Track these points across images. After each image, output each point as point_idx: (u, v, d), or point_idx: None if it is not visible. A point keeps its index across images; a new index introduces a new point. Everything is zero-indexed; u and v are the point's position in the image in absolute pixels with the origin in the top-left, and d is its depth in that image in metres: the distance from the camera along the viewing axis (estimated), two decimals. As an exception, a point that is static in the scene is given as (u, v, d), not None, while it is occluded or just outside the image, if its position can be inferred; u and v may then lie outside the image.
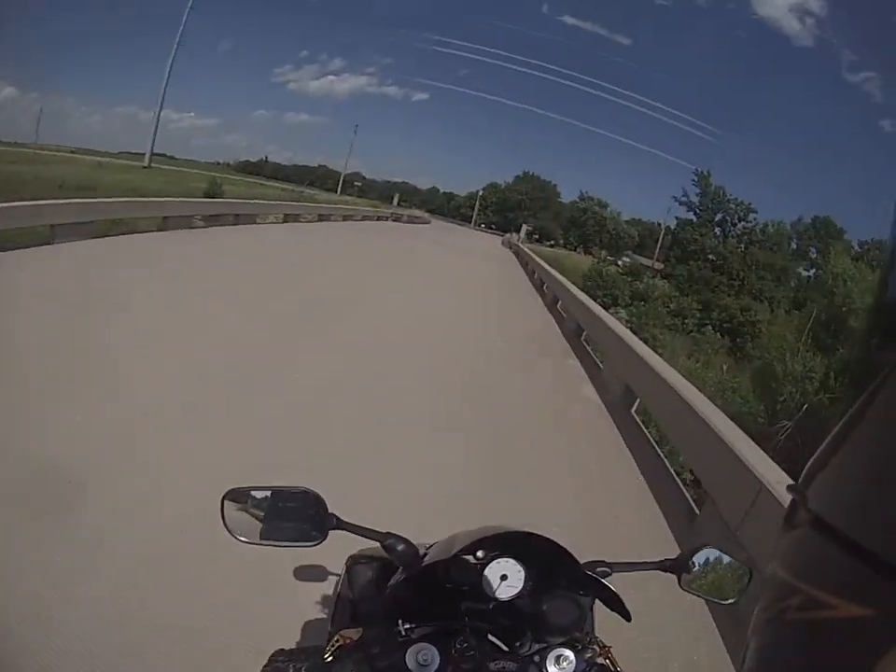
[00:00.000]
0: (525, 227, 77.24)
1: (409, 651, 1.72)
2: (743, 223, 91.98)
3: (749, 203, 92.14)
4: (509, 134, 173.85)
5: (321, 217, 41.61)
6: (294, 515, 1.97)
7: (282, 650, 2.14)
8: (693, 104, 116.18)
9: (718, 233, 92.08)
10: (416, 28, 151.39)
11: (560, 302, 23.50)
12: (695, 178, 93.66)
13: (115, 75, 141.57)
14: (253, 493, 1.97)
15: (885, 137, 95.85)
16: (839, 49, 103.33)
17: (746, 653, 0.79)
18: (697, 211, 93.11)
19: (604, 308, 19.57)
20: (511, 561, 1.82)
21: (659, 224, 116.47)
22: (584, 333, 17.89)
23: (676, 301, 60.18)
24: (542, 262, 36.11)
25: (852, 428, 0.69)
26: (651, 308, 52.27)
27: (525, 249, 55.41)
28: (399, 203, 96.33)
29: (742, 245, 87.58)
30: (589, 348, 16.95)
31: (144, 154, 78.04)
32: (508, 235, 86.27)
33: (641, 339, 14.53)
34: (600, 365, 15.00)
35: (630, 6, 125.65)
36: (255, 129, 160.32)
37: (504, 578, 1.80)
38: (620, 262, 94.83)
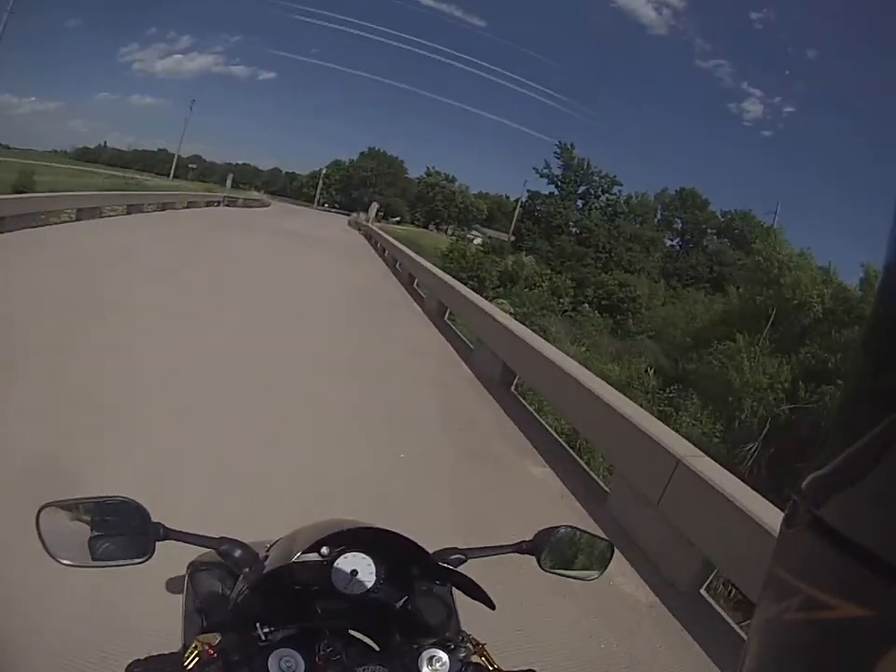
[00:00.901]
0: (374, 205, 69.59)
1: (270, 657, 1.61)
2: (607, 195, 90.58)
3: (614, 176, 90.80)
4: (354, 111, 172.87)
5: (130, 209, 32.01)
6: (118, 529, 1.79)
7: (137, 660, 1.81)
8: (542, 77, 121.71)
9: (581, 206, 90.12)
10: (266, 6, 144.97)
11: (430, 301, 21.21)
12: (558, 151, 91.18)
13: None
14: (70, 507, 1.77)
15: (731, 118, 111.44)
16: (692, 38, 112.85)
17: (746, 653, 0.79)
18: (559, 183, 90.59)
19: (475, 292, 19.03)
20: (360, 555, 1.81)
21: (507, 196, 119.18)
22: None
23: (548, 279, 56.21)
24: (403, 247, 32.66)
25: (851, 429, 0.70)
26: (535, 295, 49.20)
27: (377, 230, 50.20)
28: (233, 186, 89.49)
29: (606, 218, 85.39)
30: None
31: None
32: (354, 215, 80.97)
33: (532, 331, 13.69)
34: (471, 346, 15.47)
35: None
36: (98, 113, 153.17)
37: (354, 573, 1.80)
38: (470, 236, 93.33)
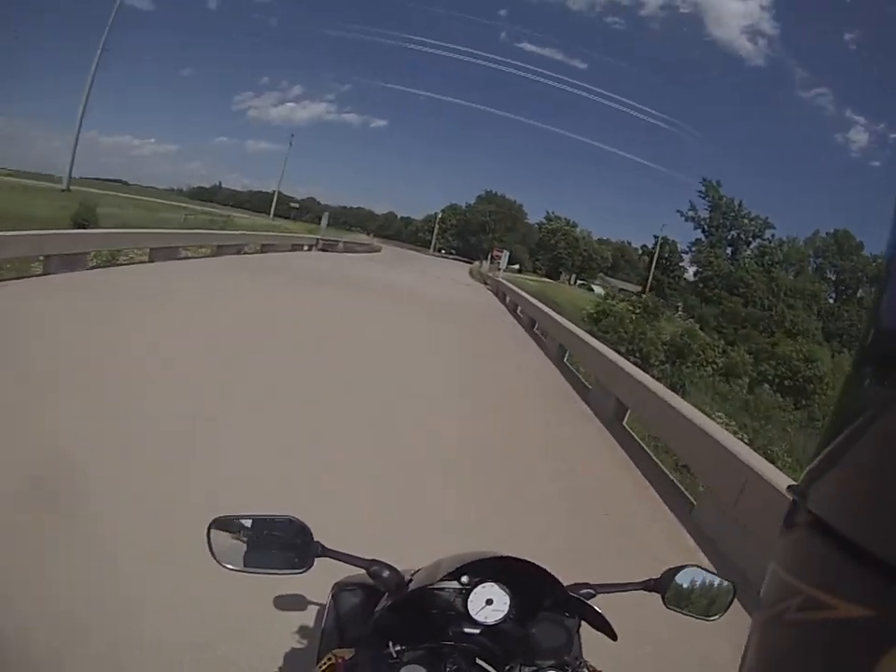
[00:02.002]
0: (505, 254, 55.93)
1: (401, 671, 1.73)
2: (759, 240, 79.80)
3: (766, 218, 80.00)
4: (467, 154, 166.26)
5: (219, 251, 28.83)
6: (280, 543, 1.95)
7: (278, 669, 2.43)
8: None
9: (730, 254, 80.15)
10: (377, 54, 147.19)
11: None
12: (702, 190, 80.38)
13: (71, 101, 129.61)
14: (239, 521, 1.95)
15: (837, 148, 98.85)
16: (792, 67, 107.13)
17: (745, 654, 0.82)
18: (706, 228, 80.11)
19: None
20: (496, 586, 1.84)
21: (629, 242, 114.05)
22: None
23: (722, 354, 44.30)
24: (558, 317, 21.94)
25: (851, 431, 0.71)
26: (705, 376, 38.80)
27: (506, 283, 39.63)
28: (347, 230, 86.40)
29: (763, 269, 74.48)
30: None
31: (114, 180, 79.77)
32: (477, 264, 70.73)
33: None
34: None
35: (583, 30, 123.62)
36: (215, 156, 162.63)
37: (489, 602, 1.82)
38: (595, 287, 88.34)
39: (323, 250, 47.86)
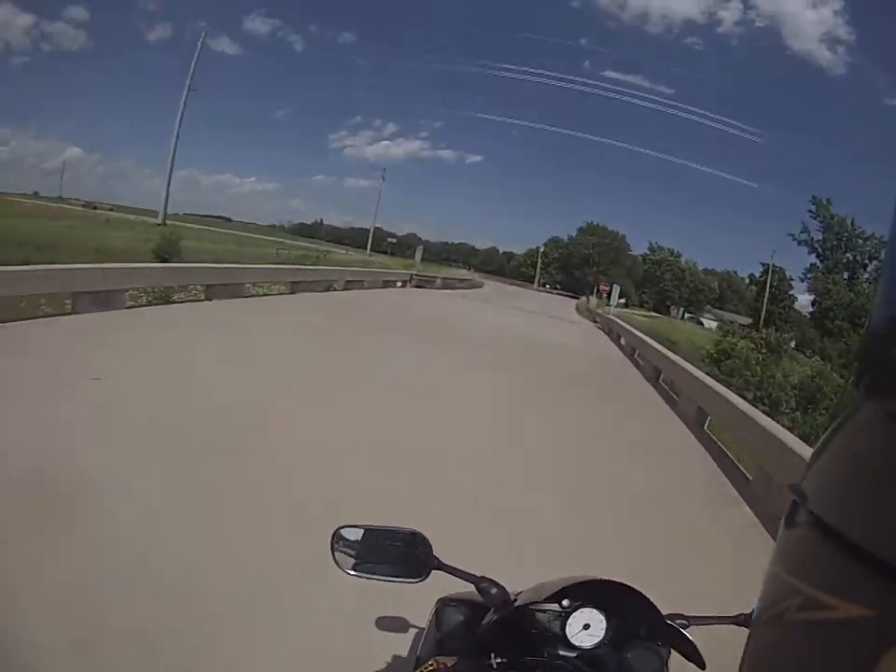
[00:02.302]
0: (616, 288, 50.62)
1: None
2: (875, 262, 73.29)
3: (881, 237, 71.53)
4: (567, 187, 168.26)
5: (294, 288, 26.29)
6: (400, 553, 2.03)
7: None
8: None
9: (847, 278, 74.95)
10: (467, 90, 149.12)
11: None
12: (812, 209, 75.31)
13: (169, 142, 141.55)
14: (363, 530, 2.05)
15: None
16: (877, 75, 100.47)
17: (746, 653, 0.85)
18: (820, 251, 75.74)
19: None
20: (595, 611, 1.86)
21: (734, 272, 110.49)
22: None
23: None
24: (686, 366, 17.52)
25: (852, 431, 0.72)
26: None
27: (619, 321, 35.44)
28: (449, 265, 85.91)
29: None
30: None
31: (217, 217, 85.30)
32: (583, 299, 66.46)
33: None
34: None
35: (666, 56, 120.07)
36: (315, 193, 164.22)
37: (586, 627, 1.85)
38: (704, 320, 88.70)
39: (418, 286, 44.41)
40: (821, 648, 0.68)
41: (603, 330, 37.95)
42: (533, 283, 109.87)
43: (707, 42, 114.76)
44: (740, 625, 1.90)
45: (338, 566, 1.98)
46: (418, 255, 53.88)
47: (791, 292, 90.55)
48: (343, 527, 2.03)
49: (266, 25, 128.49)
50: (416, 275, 46.67)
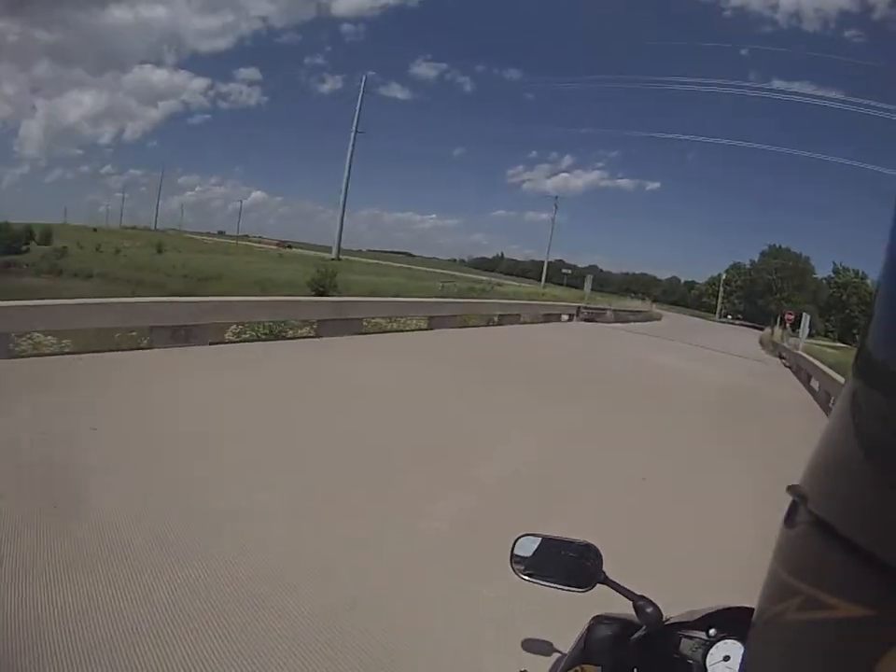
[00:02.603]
0: (806, 318, 43.49)
1: None
2: None
3: None
4: (747, 208, 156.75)
5: (432, 323, 23.97)
6: (572, 563, 2.14)
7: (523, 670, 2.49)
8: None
9: None
10: (637, 118, 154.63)
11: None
12: None
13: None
14: (540, 539, 2.18)
15: None
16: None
17: (746, 653, 0.85)
18: None
19: None
20: (738, 644, 1.81)
21: None
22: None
23: None
24: None
25: (852, 430, 0.71)
26: None
27: (823, 371, 27.83)
28: (631, 296, 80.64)
29: None
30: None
31: (399, 252, 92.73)
32: (767, 331, 61.62)
33: None
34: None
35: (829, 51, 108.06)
36: (495, 227, 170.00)
37: (726, 658, 1.82)
38: None
39: (587, 320, 40.52)
40: (821, 648, 0.67)
41: (797, 375, 32.73)
42: (714, 313, 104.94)
43: (868, 32, 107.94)
44: None
45: (514, 571, 2.11)
46: (587, 286, 49.81)
47: None
48: (522, 536, 2.15)
49: (433, 69, 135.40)
50: (585, 307, 42.53)
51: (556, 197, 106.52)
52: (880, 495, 0.62)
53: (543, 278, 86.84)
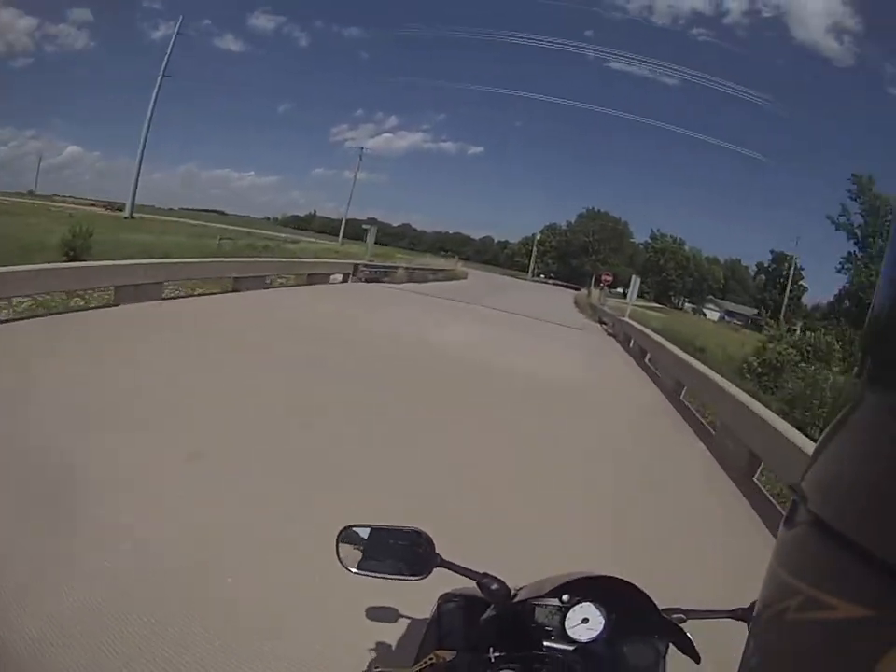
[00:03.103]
0: (636, 280, 37.57)
1: None
2: None
3: None
4: (568, 175, 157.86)
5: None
6: (404, 552, 2.04)
7: (377, 666, 2.62)
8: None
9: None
10: (469, 81, 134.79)
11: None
12: (852, 190, 66.00)
13: (167, 138, 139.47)
14: (367, 529, 2.06)
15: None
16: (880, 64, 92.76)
17: (746, 653, 0.83)
18: (859, 238, 65.41)
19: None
20: (594, 606, 1.87)
21: (739, 260, 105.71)
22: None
23: None
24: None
25: (852, 430, 0.72)
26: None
27: (639, 330, 25.41)
28: (443, 255, 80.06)
29: None
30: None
31: (211, 211, 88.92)
32: (584, 292, 59.22)
33: None
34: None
35: (673, 43, 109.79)
36: (314, 186, 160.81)
37: (585, 621, 1.87)
38: (708, 311, 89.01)
39: (370, 280, 32.76)
40: (821, 648, 0.67)
41: (616, 337, 28.12)
42: (527, 273, 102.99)
43: (715, 33, 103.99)
44: (738, 619, 1.93)
45: (342, 564, 1.98)
46: (370, 238, 39.01)
47: (801, 282, 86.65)
48: (348, 527, 2.03)
49: (271, 22, 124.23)
50: (365, 265, 34.54)
51: (362, 149, 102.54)
52: (880, 495, 0.62)
53: (341, 235, 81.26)
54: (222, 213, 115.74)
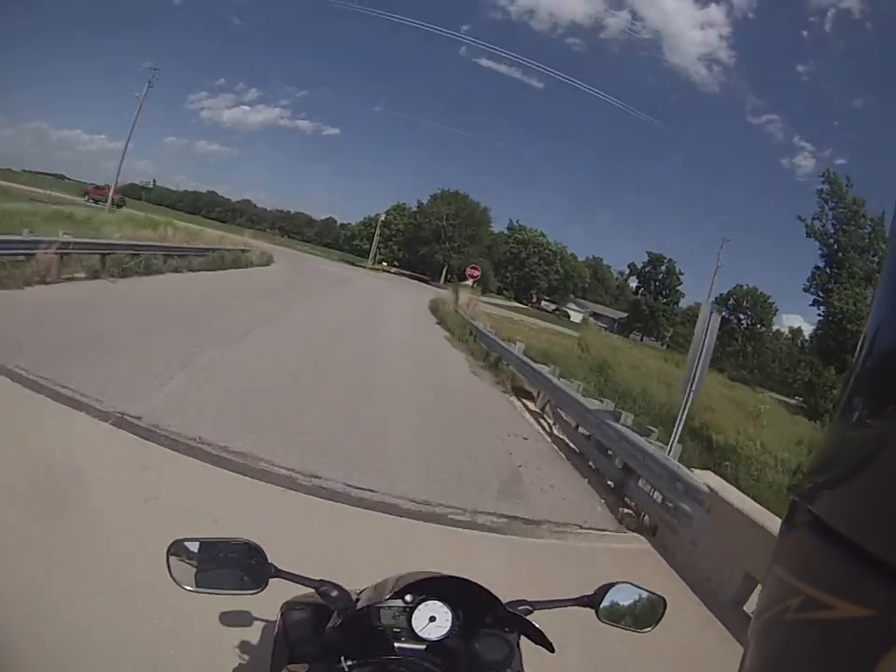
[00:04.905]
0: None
1: None
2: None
3: None
4: (419, 161, 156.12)
5: None
6: (236, 564, 2.01)
7: None
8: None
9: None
10: (332, 60, 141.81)
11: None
12: (824, 188, 57.79)
13: (25, 91, 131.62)
14: (198, 544, 2.00)
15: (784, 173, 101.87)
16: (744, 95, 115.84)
17: (746, 653, 0.82)
18: (833, 242, 56.97)
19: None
20: (438, 603, 1.89)
21: (599, 259, 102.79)
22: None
23: None
24: None
25: (852, 433, 0.72)
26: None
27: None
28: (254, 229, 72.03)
29: None
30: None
31: (53, 174, 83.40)
32: (449, 293, 44.27)
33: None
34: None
35: (547, 50, 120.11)
36: (164, 155, 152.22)
37: (432, 619, 1.88)
38: (570, 311, 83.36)
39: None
40: (821, 648, 0.67)
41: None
42: (367, 259, 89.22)
43: (589, 45, 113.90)
44: (584, 606, 2.10)
45: (175, 581, 1.90)
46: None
47: (678, 287, 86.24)
48: (177, 542, 1.95)
49: None
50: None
51: (154, 70, 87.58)
52: (880, 495, 0.63)
53: (109, 201, 58.98)
54: (63, 177, 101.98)
